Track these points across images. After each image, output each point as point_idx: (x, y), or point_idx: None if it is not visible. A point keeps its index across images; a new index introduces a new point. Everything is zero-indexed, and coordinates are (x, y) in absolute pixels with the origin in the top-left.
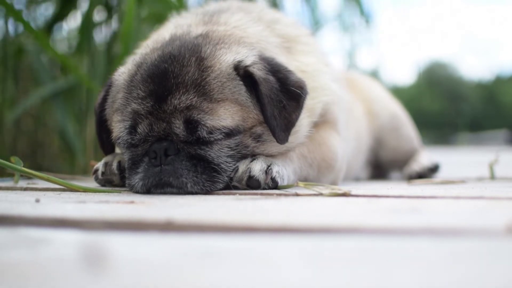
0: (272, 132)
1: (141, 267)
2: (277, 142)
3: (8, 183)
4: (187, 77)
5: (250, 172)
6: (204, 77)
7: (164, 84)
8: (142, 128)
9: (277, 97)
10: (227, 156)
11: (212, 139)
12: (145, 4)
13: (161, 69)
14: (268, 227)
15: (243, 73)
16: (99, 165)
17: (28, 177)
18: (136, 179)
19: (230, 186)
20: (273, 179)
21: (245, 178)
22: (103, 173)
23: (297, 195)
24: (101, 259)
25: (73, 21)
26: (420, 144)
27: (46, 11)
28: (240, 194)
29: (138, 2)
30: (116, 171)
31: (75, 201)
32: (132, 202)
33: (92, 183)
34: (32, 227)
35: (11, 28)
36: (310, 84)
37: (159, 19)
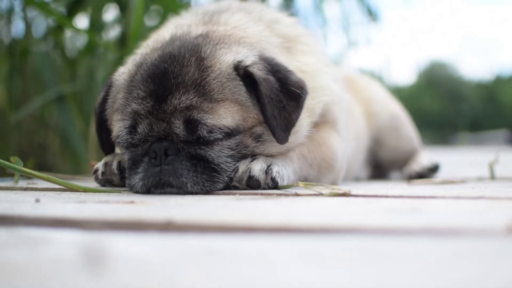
0: (272, 132)
1: (141, 267)
2: (277, 142)
3: (8, 183)
4: (187, 77)
5: (250, 172)
6: (204, 77)
7: (164, 84)
8: (142, 128)
9: (277, 97)
10: (227, 156)
11: (212, 138)
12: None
13: (161, 69)
14: (268, 227)
15: (243, 73)
16: (99, 165)
17: (28, 177)
18: (136, 179)
19: (230, 186)
20: (273, 179)
21: (245, 178)
22: (103, 173)
23: (297, 195)
24: (101, 259)
25: (83, 21)
26: (420, 144)
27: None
28: (240, 194)
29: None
30: (116, 171)
31: (75, 201)
32: (132, 202)
33: (92, 183)
34: (32, 227)
35: (16, 29)
36: (310, 84)
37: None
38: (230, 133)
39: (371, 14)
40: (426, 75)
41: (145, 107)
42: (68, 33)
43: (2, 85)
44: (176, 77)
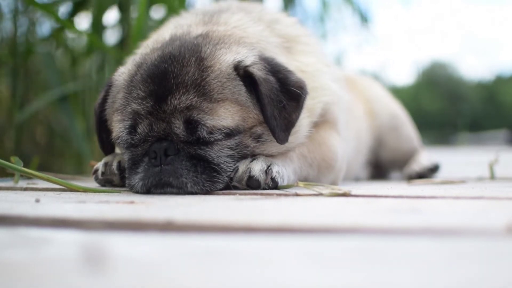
0: (272, 132)
1: (141, 267)
2: (277, 142)
3: (8, 183)
4: (187, 77)
5: (250, 172)
6: (204, 77)
7: (164, 84)
8: (142, 128)
9: (277, 97)
10: (227, 156)
11: (212, 139)
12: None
13: (161, 69)
14: (268, 227)
15: (243, 73)
16: (99, 165)
17: (28, 177)
18: (136, 179)
19: (230, 186)
20: (273, 179)
21: (245, 178)
22: (103, 173)
23: (297, 195)
24: (101, 259)
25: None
26: (420, 144)
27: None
28: (240, 194)
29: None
30: (116, 171)
31: (75, 201)
32: (132, 202)
33: (92, 183)
34: (32, 227)
35: (21, 29)
36: (310, 84)
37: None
38: (230, 134)
39: (363, 17)
40: (426, 75)
41: (145, 107)
42: (70, 34)
43: (5, 85)
44: (176, 77)
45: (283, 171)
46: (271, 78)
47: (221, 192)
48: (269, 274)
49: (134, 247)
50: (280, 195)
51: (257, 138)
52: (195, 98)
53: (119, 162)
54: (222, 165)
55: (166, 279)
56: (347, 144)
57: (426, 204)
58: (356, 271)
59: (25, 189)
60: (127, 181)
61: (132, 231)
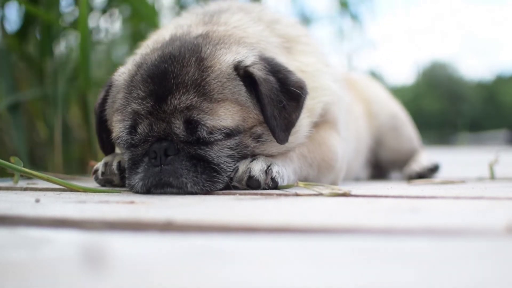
0: (272, 132)
1: (141, 267)
2: (277, 142)
3: (8, 183)
4: (187, 77)
5: (250, 172)
6: (204, 77)
7: (164, 84)
8: (142, 128)
9: (277, 97)
10: (227, 156)
11: (212, 139)
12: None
13: (161, 69)
14: (268, 227)
15: (243, 73)
16: (99, 165)
17: (28, 177)
18: (136, 179)
19: (230, 186)
20: (273, 179)
21: (245, 178)
22: (103, 173)
23: (297, 195)
24: (101, 259)
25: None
26: (420, 144)
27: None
28: (240, 194)
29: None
30: (116, 171)
31: (75, 201)
32: (132, 202)
33: (92, 183)
34: (32, 227)
35: None
36: (310, 84)
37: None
38: (230, 134)
39: (355, 19)
40: (426, 75)
41: (145, 107)
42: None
43: None
44: (176, 77)
45: (283, 171)
46: (271, 78)
47: (221, 192)
48: (269, 274)
49: (134, 247)
50: (280, 195)
51: (257, 138)
52: (195, 98)
53: (119, 162)
54: (222, 165)
55: (166, 279)
56: (347, 144)
57: (426, 204)
58: (356, 271)
59: (25, 189)
60: (127, 181)
61: (132, 231)
